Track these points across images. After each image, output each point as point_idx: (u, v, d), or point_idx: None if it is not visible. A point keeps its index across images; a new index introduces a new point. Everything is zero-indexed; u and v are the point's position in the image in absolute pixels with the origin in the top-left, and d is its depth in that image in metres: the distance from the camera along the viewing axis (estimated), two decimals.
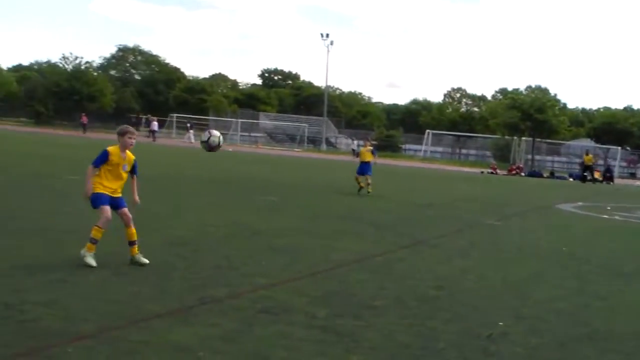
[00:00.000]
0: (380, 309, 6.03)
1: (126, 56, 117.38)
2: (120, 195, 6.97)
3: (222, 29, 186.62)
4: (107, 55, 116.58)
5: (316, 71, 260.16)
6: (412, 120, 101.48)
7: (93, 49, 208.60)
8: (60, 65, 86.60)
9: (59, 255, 7.05)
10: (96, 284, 6.04)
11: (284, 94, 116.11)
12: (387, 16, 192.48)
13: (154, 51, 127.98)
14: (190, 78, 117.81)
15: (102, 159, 6.79)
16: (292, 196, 17.30)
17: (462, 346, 5.12)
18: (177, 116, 73.25)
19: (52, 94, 73.00)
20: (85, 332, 4.63)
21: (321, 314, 5.62)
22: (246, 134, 76.34)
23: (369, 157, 18.68)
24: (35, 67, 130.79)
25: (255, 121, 77.25)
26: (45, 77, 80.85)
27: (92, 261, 6.57)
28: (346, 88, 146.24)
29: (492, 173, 48.96)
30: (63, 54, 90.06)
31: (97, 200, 6.79)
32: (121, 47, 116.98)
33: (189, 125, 63.58)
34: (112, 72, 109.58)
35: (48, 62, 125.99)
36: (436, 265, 8.67)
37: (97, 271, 6.44)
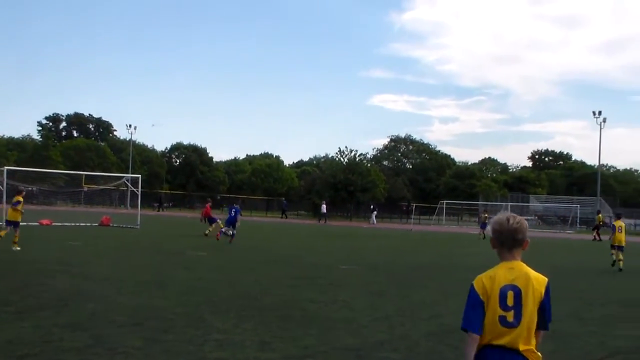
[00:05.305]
0: None
1: (398, 146, 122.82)
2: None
3: (491, 115, 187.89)
4: (380, 146, 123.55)
5: (589, 150, 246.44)
6: None
7: (368, 142, 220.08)
8: (337, 158, 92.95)
9: None
10: None
11: (554, 175, 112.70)
12: None
13: (425, 140, 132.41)
14: (460, 164, 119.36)
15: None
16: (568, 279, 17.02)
17: None
18: (446, 202, 74.74)
19: (328, 187, 78.26)
20: None
21: None
22: None
23: None
24: (314, 162, 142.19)
25: (525, 204, 75.93)
26: (322, 171, 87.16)
27: None
28: (621, 165, 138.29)
29: None
30: (339, 148, 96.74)
31: None
32: (393, 137, 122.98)
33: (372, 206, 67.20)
34: (385, 162, 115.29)
35: (326, 157, 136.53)
36: None
37: None
